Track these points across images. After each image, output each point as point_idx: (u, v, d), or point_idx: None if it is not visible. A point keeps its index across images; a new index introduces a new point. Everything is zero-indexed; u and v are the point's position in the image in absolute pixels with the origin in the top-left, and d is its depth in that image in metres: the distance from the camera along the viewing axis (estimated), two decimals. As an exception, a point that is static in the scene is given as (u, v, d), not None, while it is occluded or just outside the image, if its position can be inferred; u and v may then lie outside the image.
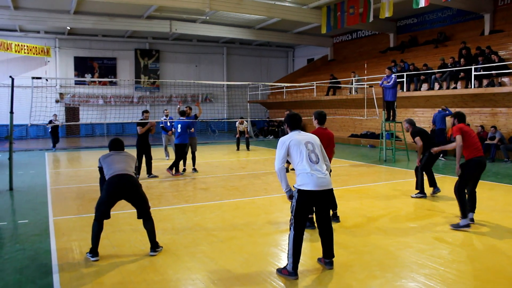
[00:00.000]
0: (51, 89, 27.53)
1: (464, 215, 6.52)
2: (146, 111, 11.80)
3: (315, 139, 4.88)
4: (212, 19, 26.02)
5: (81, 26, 24.83)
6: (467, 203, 6.61)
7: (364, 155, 16.91)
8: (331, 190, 4.80)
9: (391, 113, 15.01)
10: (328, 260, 4.95)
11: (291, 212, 4.74)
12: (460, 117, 6.98)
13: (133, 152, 8.52)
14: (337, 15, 21.94)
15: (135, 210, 5.53)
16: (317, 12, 23.43)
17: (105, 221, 5.45)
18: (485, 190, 9.44)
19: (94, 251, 5.30)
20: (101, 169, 5.59)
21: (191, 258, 5.34)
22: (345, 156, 16.38)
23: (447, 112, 15.56)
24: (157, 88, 31.68)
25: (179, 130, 11.97)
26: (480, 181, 6.96)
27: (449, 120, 16.01)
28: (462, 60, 16.97)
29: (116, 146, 5.79)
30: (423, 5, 17.54)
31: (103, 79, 29.10)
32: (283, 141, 4.78)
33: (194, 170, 12.54)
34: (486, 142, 14.95)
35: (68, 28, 26.48)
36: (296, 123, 4.96)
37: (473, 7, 21.11)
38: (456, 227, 6.49)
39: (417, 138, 8.94)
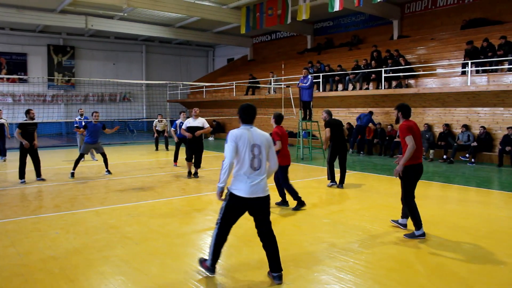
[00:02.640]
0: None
1: (418, 226, 6.08)
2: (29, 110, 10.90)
3: (263, 140, 4.59)
4: (130, 16, 25.34)
5: (-16, 17, 23.09)
6: (418, 213, 6.12)
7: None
8: (267, 197, 4.58)
9: (308, 113, 15.49)
10: (276, 274, 4.60)
11: (219, 213, 4.65)
12: (405, 111, 6.21)
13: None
14: (256, 15, 22.27)
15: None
16: (236, 12, 23.63)
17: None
18: (394, 185, 10.03)
19: None
20: None
21: (104, 262, 5.16)
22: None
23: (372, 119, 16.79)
24: (73, 87, 30.29)
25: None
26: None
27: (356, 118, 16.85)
28: (373, 62, 17.91)
29: None
30: (338, 9, 18.27)
31: (12, 75, 27.26)
32: (232, 136, 4.48)
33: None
34: (395, 140, 15.91)
35: (-30, 19, 24.53)
36: (249, 116, 4.65)
37: (383, 13, 22.36)
38: (411, 236, 6.09)
39: (327, 129, 9.99)
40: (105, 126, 12.17)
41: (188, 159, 11.33)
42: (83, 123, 14.70)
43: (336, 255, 5.40)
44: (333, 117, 10.52)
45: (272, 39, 31.42)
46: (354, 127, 17.61)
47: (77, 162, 11.49)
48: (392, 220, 6.77)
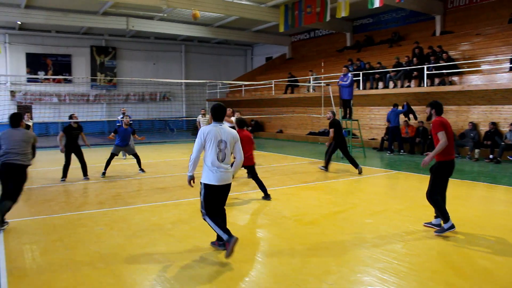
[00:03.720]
0: (0, 86, 26.48)
1: (445, 218, 6.10)
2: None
3: (229, 137, 5.25)
4: (170, 16, 25.73)
5: (32, 21, 23.92)
6: (445, 207, 6.20)
7: (321, 153, 17.06)
8: (229, 185, 5.35)
9: (348, 111, 15.30)
10: (222, 242, 5.33)
11: (201, 206, 5.29)
12: (438, 108, 6.37)
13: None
14: (295, 14, 22.15)
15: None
16: (275, 11, 23.58)
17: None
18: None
19: None
20: None
21: (147, 259, 5.25)
22: (303, 153, 16.56)
23: (398, 109, 16.10)
24: (114, 86, 31.02)
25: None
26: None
27: (402, 117, 16.51)
28: (415, 59, 17.49)
29: None
30: (378, 5, 17.95)
31: (57, 76, 28.19)
32: (202, 132, 5.20)
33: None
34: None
35: (19, 23, 25.47)
36: (218, 115, 5.33)
37: (425, 9, 21.80)
38: (441, 231, 6.10)
39: (331, 130, 11.93)
40: (135, 131, 12.54)
41: None
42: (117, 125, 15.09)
43: (379, 256, 5.29)
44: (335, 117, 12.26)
45: (311, 37, 31.20)
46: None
47: (108, 162, 11.68)
48: (425, 223, 6.58)
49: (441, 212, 6.14)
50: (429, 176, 6.37)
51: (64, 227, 6.62)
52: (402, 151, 16.26)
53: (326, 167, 12.13)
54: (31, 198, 8.91)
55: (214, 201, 5.30)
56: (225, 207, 5.59)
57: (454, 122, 16.13)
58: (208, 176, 5.20)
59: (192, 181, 5.30)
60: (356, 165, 11.71)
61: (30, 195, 9.30)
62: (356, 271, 4.86)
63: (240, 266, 5.01)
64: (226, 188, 5.34)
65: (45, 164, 13.90)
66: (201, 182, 5.28)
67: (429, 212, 7.38)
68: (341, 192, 9.46)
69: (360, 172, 11.57)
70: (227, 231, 5.15)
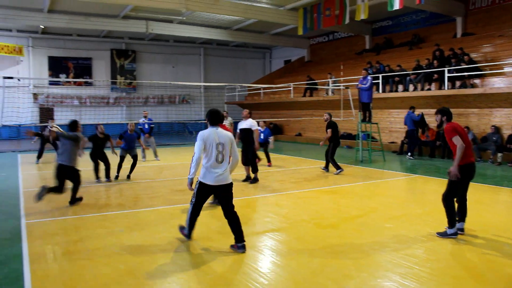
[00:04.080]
0: (24, 89, 26.98)
1: (451, 224, 6.10)
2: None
3: (226, 139, 5.63)
4: (189, 19, 25.92)
5: (55, 25, 24.37)
6: (455, 213, 6.17)
7: (340, 156, 17.01)
8: (228, 185, 5.62)
9: (367, 114, 15.18)
10: (240, 244, 5.58)
11: (193, 196, 5.74)
12: (449, 114, 6.32)
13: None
14: (314, 16, 22.07)
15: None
16: (293, 14, 23.55)
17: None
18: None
19: None
20: None
21: (167, 261, 5.28)
22: (322, 157, 16.43)
23: (413, 114, 15.92)
24: (134, 89, 31.34)
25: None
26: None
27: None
28: (435, 61, 17.27)
29: None
30: (398, 8, 17.77)
31: (78, 79, 28.63)
32: (202, 136, 5.56)
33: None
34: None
35: (42, 27, 25.97)
36: (215, 120, 5.72)
37: (445, 10, 21.53)
38: (443, 235, 6.13)
39: (329, 130, 12.51)
40: (140, 136, 12.75)
41: (245, 163, 10.94)
42: (146, 126, 15.27)
43: (399, 261, 5.23)
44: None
45: (330, 40, 31.08)
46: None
47: (119, 166, 11.70)
48: (439, 234, 6.23)
49: (450, 217, 6.11)
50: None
51: (85, 228, 6.70)
52: (409, 154, 15.89)
53: (339, 167, 12.34)
54: (52, 199, 9.03)
55: (204, 197, 5.72)
56: (236, 209, 5.65)
57: (476, 125, 15.88)
58: (205, 175, 5.56)
59: (192, 184, 5.67)
60: (337, 167, 12.29)
61: (51, 196, 9.43)
62: (376, 276, 4.81)
63: (260, 269, 5.00)
64: (224, 188, 5.60)
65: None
66: (198, 179, 5.67)
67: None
68: (360, 195, 9.38)
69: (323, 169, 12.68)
70: (191, 228, 5.91)
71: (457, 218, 6.31)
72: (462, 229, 6.28)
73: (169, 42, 32.12)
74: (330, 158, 12.52)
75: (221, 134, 5.65)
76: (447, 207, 6.15)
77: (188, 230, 5.94)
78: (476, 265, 5.13)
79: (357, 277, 4.75)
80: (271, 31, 29.49)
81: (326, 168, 12.85)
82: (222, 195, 5.66)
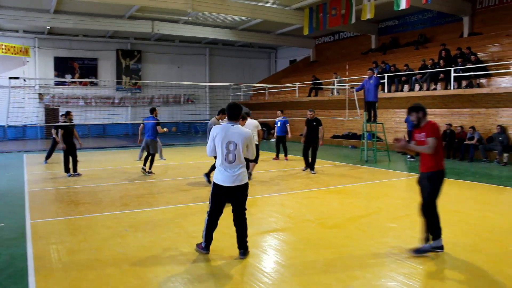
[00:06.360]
0: (30, 89, 27.10)
1: (437, 234, 5.48)
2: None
3: (240, 138, 5.19)
4: (195, 19, 25.95)
5: (61, 25, 24.47)
6: (439, 221, 5.51)
7: (345, 156, 17.02)
8: (242, 186, 5.30)
9: (372, 114, 15.12)
10: (241, 251, 5.39)
11: (209, 203, 5.42)
12: (425, 110, 5.72)
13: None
14: (319, 16, 22.03)
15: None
16: (299, 14, 23.52)
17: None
18: (464, 190, 9.59)
19: None
20: None
21: (171, 260, 5.28)
22: (327, 156, 16.45)
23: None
24: (139, 89, 31.40)
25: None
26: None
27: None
28: (441, 61, 17.18)
29: None
30: (404, 7, 17.70)
31: (84, 79, 28.73)
32: (212, 133, 5.29)
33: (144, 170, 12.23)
34: (465, 142, 15.22)
35: (48, 27, 26.08)
36: (230, 114, 5.34)
37: (452, 10, 21.42)
38: (423, 251, 5.40)
39: (321, 127, 12.24)
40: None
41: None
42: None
43: (404, 261, 5.20)
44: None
45: (335, 40, 31.01)
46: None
47: (146, 160, 12.21)
48: (415, 251, 5.48)
49: (435, 227, 5.46)
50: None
51: (89, 228, 6.71)
52: (409, 156, 15.77)
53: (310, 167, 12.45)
54: (57, 199, 9.08)
55: (220, 201, 5.38)
56: (246, 212, 5.51)
57: (482, 125, 15.78)
58: (216, 175, 5.32)
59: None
60: (308, 166, 12.49)
61: (56, 196, 9.48)
62: (381, 276, 4.79)
63: (265, 270, 4.99)
64: (236, 190, 5.29)
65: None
66: (212, 179, 5.47)
67: (454, 217, 7.24)
68: (364, 196, 9.35)
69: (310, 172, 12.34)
70: (208, 240, 5.45)
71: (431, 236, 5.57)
72: (440, 247, 5.51)
73: (175, 42, 32.15)
74: (315, 157, 12.47)
75: (235, 131, 5.21)
76: (433, 216, 5.45)
77: (205, 243, 5.47)
78: (482, 266, 5.07)
79: (361, 277, 4.73)
80: (277, 31, 29.47)
81: (312, 168, 12.46)
82: (234, 197, 5.34)
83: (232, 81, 30.83)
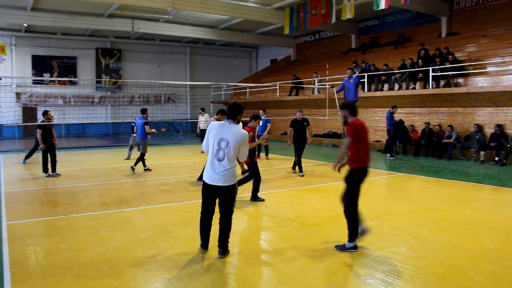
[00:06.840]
0: (6, 88, 26.61)
1: (353, 238, 5.54)
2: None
3: (235, 138, 5.14)
4: (175, 18, 25.78)
5: (39, 23, 23.99)
6: (358, 224, 5.60)
7: (326, 155, 17.12)
8: (229, 187, 5.23)
9: (353, 113, 15.21)
10: (220, 249, 5.34)
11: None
12: (353, 109, 5.78)
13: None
14: (300, 16, 22.13)
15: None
16: (280, 13, 23.57)
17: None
18: (443, 187, 9.74)
19: None
20: None
21: (151, 261, 5.24)
22: (308, 155, 16.49)
23: (392, 115, 15.88)
24: (119, 88, 31.07)
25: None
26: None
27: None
28: (420, 61, 17.41)
29: None
30: (384, 7, 17.88)
31: (63, 78, 28.30)
32: (208, 129, 5.36)
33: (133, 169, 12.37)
34: (443, 141, 15.46)
35: (25, 25, 25.56)
36: (229, 113, 5.32)
37: (430, 10, 21.72)
38: (341, 249, 5.55)
39: (290, 129, 12.15)
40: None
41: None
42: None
43: (383, 258, 5.26)
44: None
45: (316, 39, 31.17)
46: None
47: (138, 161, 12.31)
48: (337, 247, 5.64)
49: (353, 228, 5.54)
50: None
51: (68, 229, 6.62)
52: (388, 154, 15.99)
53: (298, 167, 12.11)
54: (35, 200, 8.94)
55: (208, 199, 5.37)
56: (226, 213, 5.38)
57: (460, 124, 16.05)
58: (205, 173, 5.34)
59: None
60: (296, 166, 12.20)
61: (34, 196, 9.33)
62: (360, 273, 4.83)
63: (245, 269, 4.99)
64: (223, 190, 5.23)
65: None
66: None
67: (434, 215, 7.37)
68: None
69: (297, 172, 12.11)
70: (203, 238, 5.49)
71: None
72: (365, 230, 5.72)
73: (155, 41, 31.91)
74: (300, 158, 12.05)
75: (230, 130, 5.17)
76: (352, 217, 5.54)
77: (201, 241, 5.52)
78: (459, 263, 5.16)
79: (341, 275, 4.77)
80: (258, 30, 29.48)
81: (300, 169, 12.01)
82: (221, 196, 5.28)
83: (213, 80, 30.74)
